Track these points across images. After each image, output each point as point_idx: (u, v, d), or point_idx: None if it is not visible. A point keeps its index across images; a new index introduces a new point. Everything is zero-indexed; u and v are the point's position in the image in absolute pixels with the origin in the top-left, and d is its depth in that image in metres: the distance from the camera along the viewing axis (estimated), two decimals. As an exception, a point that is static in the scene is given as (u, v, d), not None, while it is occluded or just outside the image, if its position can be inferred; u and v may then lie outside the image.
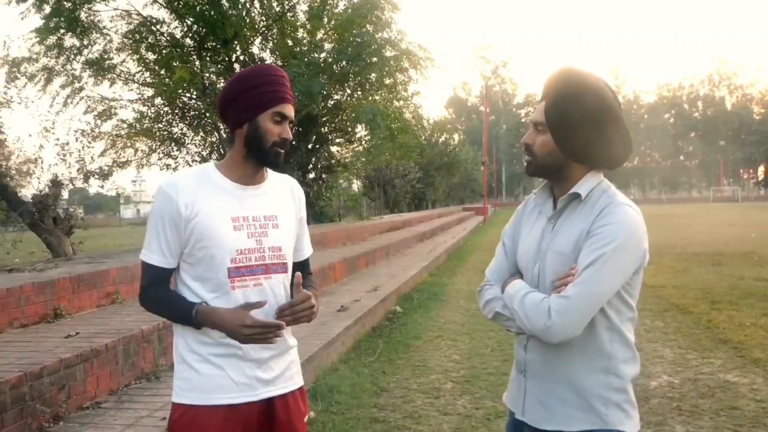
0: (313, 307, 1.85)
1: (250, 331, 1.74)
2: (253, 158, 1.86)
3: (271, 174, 1.97)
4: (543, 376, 1.75)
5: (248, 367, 1.83)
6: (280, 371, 1.89)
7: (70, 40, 12.28)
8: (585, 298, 1.61)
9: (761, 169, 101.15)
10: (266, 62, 15.05)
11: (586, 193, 1.72)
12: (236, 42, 12.96)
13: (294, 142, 15.91)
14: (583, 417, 1.70)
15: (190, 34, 13.32)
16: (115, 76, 13.39)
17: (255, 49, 14.44)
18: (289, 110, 1.86)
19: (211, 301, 1.81)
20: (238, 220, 1.83)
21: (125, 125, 14.25)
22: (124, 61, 13.46)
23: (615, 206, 1.68)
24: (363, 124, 13.97)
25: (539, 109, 1.77)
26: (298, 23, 14.11)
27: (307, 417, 1.98)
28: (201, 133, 14.88)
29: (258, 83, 1.82)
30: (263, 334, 1.75)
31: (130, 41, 13.04)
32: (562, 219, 1.76)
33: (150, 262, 1.84)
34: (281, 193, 1.96)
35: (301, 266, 2.03)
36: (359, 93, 14.65)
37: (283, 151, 1.86)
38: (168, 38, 13.31)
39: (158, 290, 1.86)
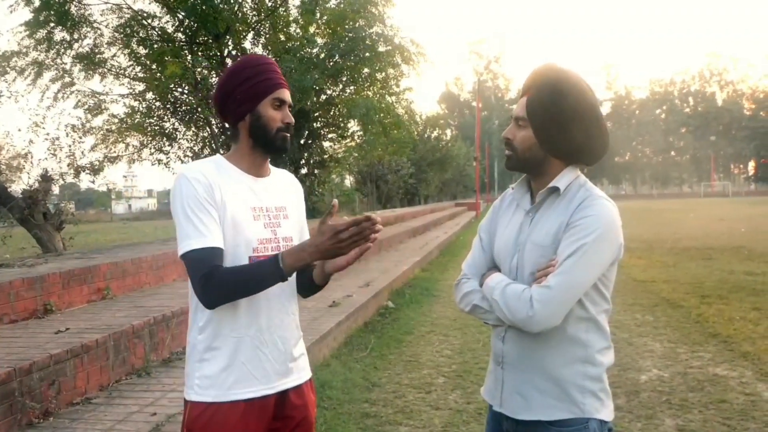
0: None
1: (347, 234, 1.62)
2: (260, 147, 1.87)
3: (272, 168, 1.99)
4: (520, 366, 1.78)
5: (266, 360, 1.83)
6: (294, 363, 1.91)
7: (60, 34, 12.19)
8: (566, 288, 1.64)
9: (751, 164, 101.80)
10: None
11: (565, 187, 1.76)
12: (228, 37, 12.89)
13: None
14: (561, 406, 1.73)
15: (182, 29, 13.24)
16: (105, 70, 13.29)
17: (247, 44, 14.37)
18: (287, 95, 1.87)
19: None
20: (256, 210, 1.84)
21: (116, 120, 14.17)
22: (115, 55, 13.37)
23: (593, 199, 1.72)
24: (356, 119, 13.94)
25: (521, 104, 1.79)
26: (291, 18, 14.05)
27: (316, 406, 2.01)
28: (193, 128, 14.79)
29: (251, 74, 1.83)
30: (360, 233, 1.62)
31: (121, 35, 12.95)
32: (540, 212, 1.79)
33: (202, 246, 1.68)
34: (286, 186, 1.99)
35: None
36: (352, 88, 14.61)
37: (288, 135, 1.88)
38: (159, 32, 13.23)
39: (222, 269, 1.69)
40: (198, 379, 1.80)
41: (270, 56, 15.77)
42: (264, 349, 1.82)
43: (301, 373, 1.94)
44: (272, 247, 1.83)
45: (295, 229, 1.93)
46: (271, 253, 1.81)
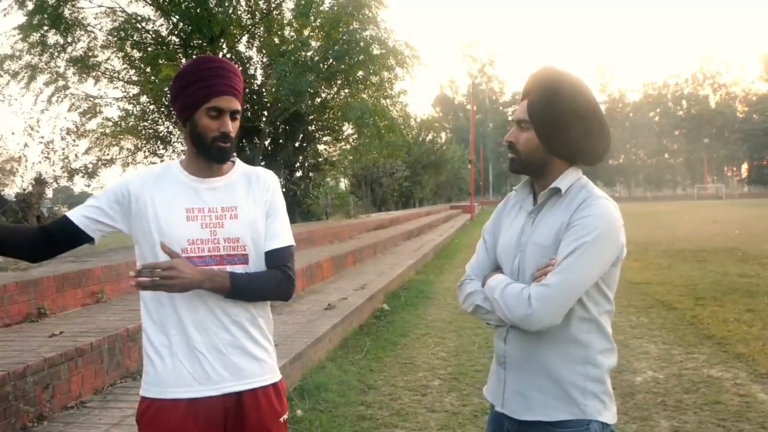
0: (175, 278, 1.70)
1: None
2: (201, 154, 1.85)
3: (238, 166, 1.94)
4: (522, 367, 1.77)
5: (205, 361, 1.81)
6: (245, 366, 1.85)
7: (53, 38, 12.18)
8: (565, 286, 1.64)
9: (744, 166, 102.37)
10: (251, 59, 15.00)
11: (566, 187, 1.76)
12: (222, 40, 12.89)
13: (281, 140, 15.97)
14: (562, 407, 1.72)
15: (176, 32, 13.23)
16: (99, 73, 13.29)
17: (242, 47, 14.40)
18: (227, 102, 1.80)
19: (163, 295, 1.80)
20: (192, 211, 1.83)
21: (110, 123, 14.16)
22: (108, 58, 13.37)
23: (594, 199, 1.72)
24: (350, 122, 13.96)
25: (522, 107, 1.79)
26: (285, 21, 14.06)
27: (284, 417, 1.92)
28: (187, 131, 14.82)
29: (192, 80, 1.80)
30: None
31: (115, 39, 12.94)
32: (542, 213, 1.79)
33: (65, 213, 1.89)
34: (243, 184, 1.91)
35: (269, 257, 1.89)
36: (346, 91, 14.64)
37: (226, 145, 1.82)
38: (153, 36, 13.22)
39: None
40: (144, 374, 1.86)
41: (264, 59, 15.76)
42: (201, 350, 1.81)
43: (257, 378, 1.86)
44: (209, 248, 1.82)
45: (245, 228, 1.86)
46: (206, 254, 1.81)
